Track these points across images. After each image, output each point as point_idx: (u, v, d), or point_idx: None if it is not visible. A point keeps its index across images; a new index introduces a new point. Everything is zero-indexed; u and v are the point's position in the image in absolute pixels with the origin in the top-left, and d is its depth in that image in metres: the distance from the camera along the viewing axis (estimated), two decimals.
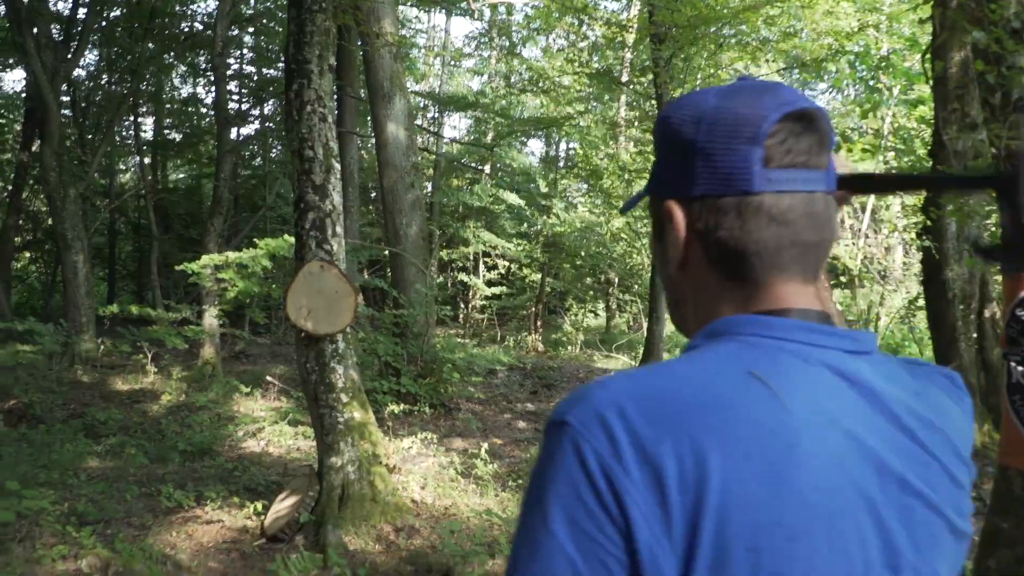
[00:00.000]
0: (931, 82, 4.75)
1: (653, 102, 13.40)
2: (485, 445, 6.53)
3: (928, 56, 4.66)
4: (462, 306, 20.40)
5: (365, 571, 4.33)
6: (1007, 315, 2.27)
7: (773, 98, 0.78)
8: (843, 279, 10.70)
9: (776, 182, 0.76)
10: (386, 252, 10.75)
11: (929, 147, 7.50)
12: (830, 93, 28.79)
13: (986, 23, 2.48)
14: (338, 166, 5.18)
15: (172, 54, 17.08)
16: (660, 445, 0.64)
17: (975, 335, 8.04)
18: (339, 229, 5.12)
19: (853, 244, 11.60)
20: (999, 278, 9.65)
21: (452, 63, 24.94)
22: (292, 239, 8.41)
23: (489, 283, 19.82)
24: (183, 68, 19.56)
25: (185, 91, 21.53)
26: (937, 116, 6.90)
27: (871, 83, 9.75)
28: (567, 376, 12.64)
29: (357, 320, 8.68)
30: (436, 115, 23.30)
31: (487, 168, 20.23)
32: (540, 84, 17.23)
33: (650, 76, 12.39)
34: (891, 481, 0.71)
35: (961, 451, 0.78)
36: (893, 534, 0.70)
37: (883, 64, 9.02)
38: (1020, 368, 2.30)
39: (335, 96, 10.80)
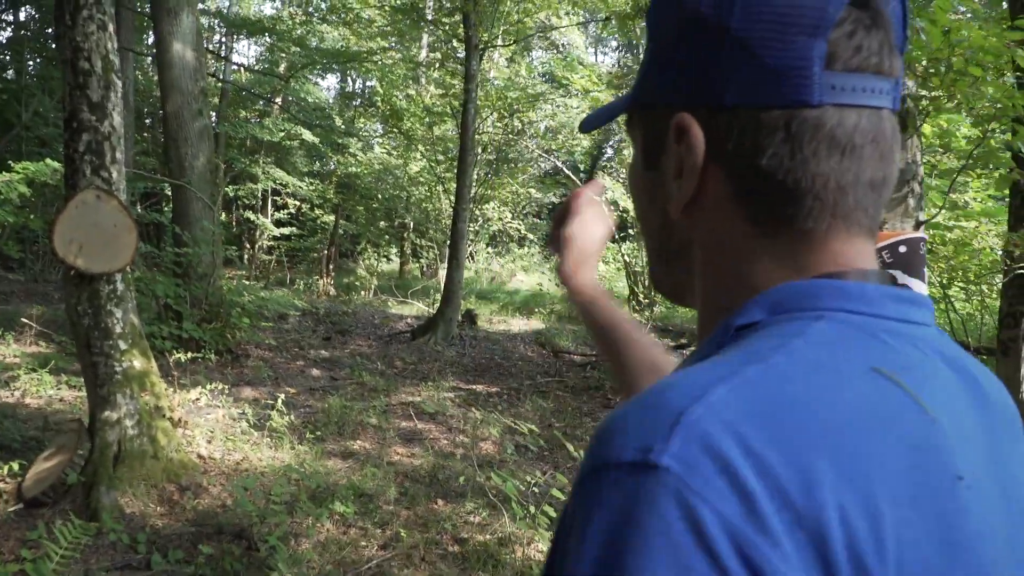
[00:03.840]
0: None
1: (456, 44, 13.17)
2: (281, 396, 6.15)
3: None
4: (248, 247, 19.32)
5: (145, 536, 3.92)
6: None
7: None
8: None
9: (841, 91, 0.53)
10: (166, 185, 9.82)
11: None
12: (627, 50, 29.84)
13: None
14: (119, 83, 4.54)
15: None
16: (815, 495, 0.41)
17: None
18: (119, 155, 4.52)
19: None
20: None
21: None
22: (57, 164, 7.44)
23: (278, 223, 18.92)
24: None
25: None
26: None
27: None
28: (362, 322, 12.33)
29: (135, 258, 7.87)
30: (224, 39, 21.65)
31: (279, 100, 19.12)
32: (341, 15, 16.39)
33: (457, 17, 12.11)
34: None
35: None
36: None
37: None
38: None
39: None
